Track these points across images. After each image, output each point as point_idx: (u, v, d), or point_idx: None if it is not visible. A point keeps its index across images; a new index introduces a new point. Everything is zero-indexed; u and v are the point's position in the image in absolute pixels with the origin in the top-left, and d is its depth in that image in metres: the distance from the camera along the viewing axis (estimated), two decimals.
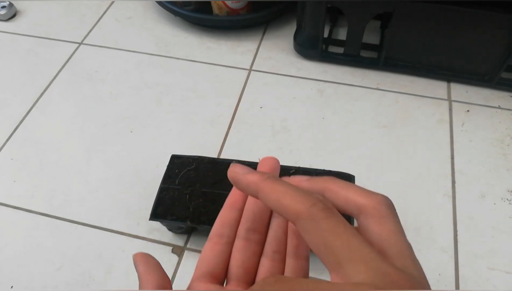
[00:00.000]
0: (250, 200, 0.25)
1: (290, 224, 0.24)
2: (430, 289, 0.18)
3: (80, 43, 0.66)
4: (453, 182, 0.47)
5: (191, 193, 0.40)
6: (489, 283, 0.41)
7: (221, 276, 0.24)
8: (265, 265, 0.24)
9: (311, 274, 0.41)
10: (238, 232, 0.25)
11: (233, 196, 0.26)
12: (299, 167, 0.42)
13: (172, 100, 0.57)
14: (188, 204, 0.40)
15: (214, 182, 0.41)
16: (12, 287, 0.41)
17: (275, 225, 0.25)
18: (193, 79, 0.60)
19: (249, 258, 0.24)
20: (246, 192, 0.22)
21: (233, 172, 0.23)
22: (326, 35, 0.62)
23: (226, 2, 0.61)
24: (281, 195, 0.19)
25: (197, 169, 0.42)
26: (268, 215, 0.25)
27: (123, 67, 0.62)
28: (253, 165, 0.41)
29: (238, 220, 0.25)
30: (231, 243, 0.25)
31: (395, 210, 0.20)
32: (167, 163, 0.43)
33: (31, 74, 0.62)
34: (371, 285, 0.16)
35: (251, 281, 0.24)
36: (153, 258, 0.23)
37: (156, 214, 0.40)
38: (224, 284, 0.24)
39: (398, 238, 0.19)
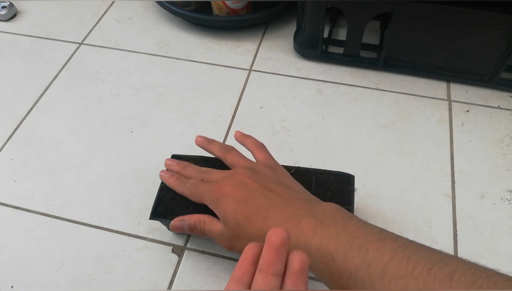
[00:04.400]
0: (259, 275, 0.25)
1: None
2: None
3: (80, 43, 0.66)
4: (453, 182, 0.48)
5: None
6: None
7: None
8: None
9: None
10: None
11: (241, 269, 0.25)
12: (298, 167, 0.42)
13: (172, 100, 0.57)
14: (188, 203, 0.40)
15: None
16: (12, 287, 0.41)
17: None
18: (193, 79, 0.60)
19: None
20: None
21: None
22: (326, 35, 0.62)
23: (226, 2, 0.61)
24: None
25: None
26: None
27: (124, 67, 0.62)
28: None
29: None
30: None
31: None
32: None
33: (31, 74, 0.62)
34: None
35: None
36: None
37: (156, 214, 0.40)
38: None
39: None
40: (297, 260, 0.25)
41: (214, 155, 0.42)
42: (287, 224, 0.32)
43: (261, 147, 0.42)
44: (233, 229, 0.34)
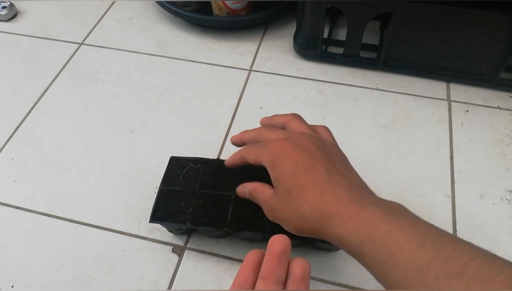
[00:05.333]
0: (260, 282, 0.25)
1: None
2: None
3: (80, 44, 0.66)
4: (453, 182, 0.48)
5: (191, 195, 0.40)
6: None
7: None
8: None
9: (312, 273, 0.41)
10: None
11: (243, 275, 0.25)
12: None
13: (172, 100, 0.57)
14: (187, 204, 0.40)
15: (213, 183, 0.41)
16: (12, 286, 0.41)
17: None
18: (193, 80, 0.60)
19: None
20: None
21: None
22: (325, 35, 0.62)
23: (226, 2, 0.61)
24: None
25: (196, 170, 0.42)
26: None
27: (124, 67, 0.62)
28: (253, 165, 0.42)
29: None
30: None
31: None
32: (167, 163, 0.43)
33: (31, 75, 0.62)
34: None
35: None
36: None
37: (156, 216, 0.40)
38: None
39: None
40: (298, 267, 0.25)
41: (278, 123, 0.37)
42: (348, 207, 0.28)
43: (324, 126, 0.37)
44: (282, 197, 0.30)
